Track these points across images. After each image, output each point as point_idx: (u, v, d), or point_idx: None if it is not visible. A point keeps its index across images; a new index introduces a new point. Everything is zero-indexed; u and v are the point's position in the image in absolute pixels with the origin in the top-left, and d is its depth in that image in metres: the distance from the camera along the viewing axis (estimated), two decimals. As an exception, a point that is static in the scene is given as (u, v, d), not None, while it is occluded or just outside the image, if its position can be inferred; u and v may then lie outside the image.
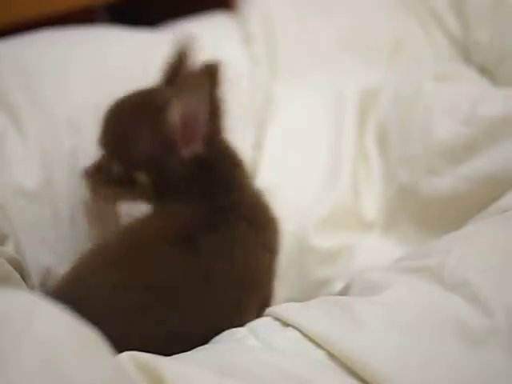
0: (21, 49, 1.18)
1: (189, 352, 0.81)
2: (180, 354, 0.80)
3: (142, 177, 0.93)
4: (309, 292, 1.10)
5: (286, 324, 0.80)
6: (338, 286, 1.05)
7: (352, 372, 0.69)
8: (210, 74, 0.87)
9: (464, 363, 0.67)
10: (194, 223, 0.89)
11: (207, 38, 1.41)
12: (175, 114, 0.87)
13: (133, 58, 1.21)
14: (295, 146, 1.29)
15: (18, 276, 0.84)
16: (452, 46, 1.48)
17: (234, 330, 0.85)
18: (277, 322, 0.82)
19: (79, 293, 0.86)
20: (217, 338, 0.85)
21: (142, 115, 0.92)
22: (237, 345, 0.80)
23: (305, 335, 0.76)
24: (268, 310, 0.86)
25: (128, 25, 1.41)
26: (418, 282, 0.78)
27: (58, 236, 1.05)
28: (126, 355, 0.71)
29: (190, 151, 0.89)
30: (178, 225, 0.89)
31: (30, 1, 1.39)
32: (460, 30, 1.47)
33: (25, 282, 0.89)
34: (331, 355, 0.72)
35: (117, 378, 0.58)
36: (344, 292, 0.90)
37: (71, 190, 1.08)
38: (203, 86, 0.85)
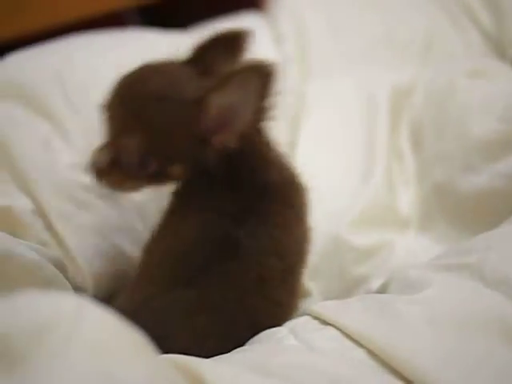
0: (56, 54, 1.20)
1: (228, 353, 0.81)
2: (220, 356, 0.81)
3: (176, 169, 0.90)
4: (346, 290, 1.10)
5: (325, 323, 0.80)
6: (375, 283, 1.04)
7: (393, 370, 0.69)
8: (263, 74, 0.82)
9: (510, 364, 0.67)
10: (233, 224, 0.88)
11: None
12: (213, 107, 0.85)
13: (164, 59, 1.21)
14: (329, 145, 1.28)
15: (63, 277, 0.85)
16: (485, 41, 1.46)
17: (274, 329, 0.85)
18: (316, 321, 0.82)
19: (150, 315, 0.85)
20: (256, 337, 0.85)
21: (177, 108, 0.87)
22: (277, 345, 0.80)
23: (344, 334, 0.76)
24: (306, 309, 0.86)
25: (159, 27, 1.42)
26: (458, 280, 0.78)
27: (105, 239, 1.06)
28: (166, 357, 0.72)
29: (221, 144, 0.86)
30: (219, 230, 0.88)
31: (61, 6, 1.41)
32: (494, 25, 1.46)
33: (69, 280, 0.90)
34: (372, 354, 0.72)
35: (162, 379, 0.58)
36: (382, 290, 0.90)
37: (115, 194, 1.10)
38: (252, 85, 0.82)
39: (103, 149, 0.89)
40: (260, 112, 0.84)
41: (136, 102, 0.87)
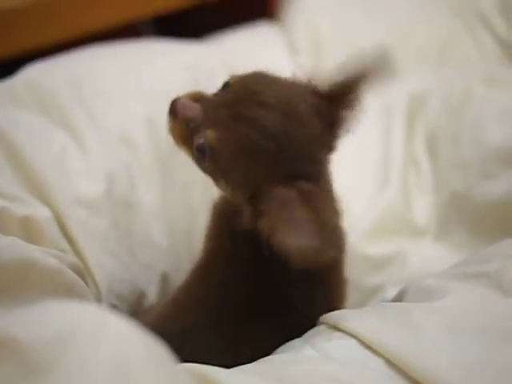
0: (74, 65, 1.21)
1: (247, 364, 0.81)
2: (240, 367, 0.81)
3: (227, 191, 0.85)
4: (362, 298, 1.10)
5: (342, 332, 0.80)
6: (391, 292, 1.04)
7: (411, 380, 0.69)
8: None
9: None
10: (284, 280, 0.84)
11: (254, 48, 1.44)
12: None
13: (183, 70, 1.22)
14: (344, 153, 1.28)
15: (83, 283, 0.86)
16: (500, 48, 1.46)
17: (292, 341, 0.85)
18: (332, 330, 0.81)
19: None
20: (277, 350, 0.85)
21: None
22: (295, 355, 0.80)
23: (362, 343, 0.75)
24: (323, 318, 0.85)
25: (173, 37, 1.43)
26: (476, 288, 0.77)
27: (118, 243, 1.07)
28: (185, 366, 0.72)
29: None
30: (269, 288, 0.85)
31: (78, 17, 1.43)
32: (508, 31, 1.46)
33: (88, 286, 0.91)
34: (389, 363, 0.72)
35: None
36: (399, 298, 0.89)
37: (128, 201, 1.11)
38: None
39: (199, 106, 0.83)
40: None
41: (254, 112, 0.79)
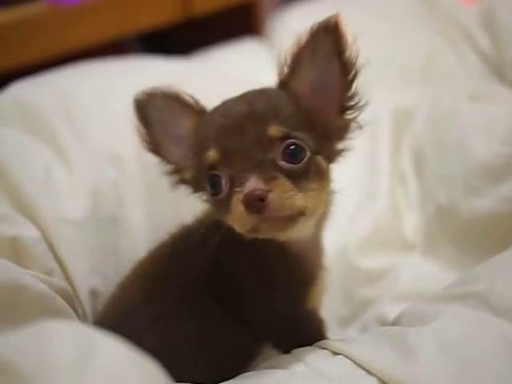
0: (60, 82, 1.20)
1: (238, 377, 0.82)
2: (229, 381, 0.81)
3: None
4: (353, 310, 1.11)
5: (334, 353, 0.80)
6: (383, 305, 1.05)
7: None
8: (329, 31, 0.78)
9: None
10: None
11: (240, 63, 1.45)
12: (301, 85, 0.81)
13: (169, 86, 1.22)
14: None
15: (70, 308, 0.86)
16: (483, 63, 1.48)
17: (281, 356, 0.85)
18: (325, 351, 0.82)
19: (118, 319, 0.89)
20: (265, 364, 0.85)
21: None
22: (287, 371, 0.80)
23: (354, 362, 0.76)
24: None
25: (158, 53, 1.43)
26: (466, 310, 0.78)
27: (105, 261, 1.07)
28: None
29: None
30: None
31: (64, 34, 1.42)
32: (492, 47, 1.47)
33: (75, 310, 0.91)
34: (382, 382, 0.72)
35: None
36: (394, 323, 0.89)
37: (114, 218, 1.10)
38: (323, 46, 0.79)
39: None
40: (346, 70, 0.81)
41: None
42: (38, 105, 1.13)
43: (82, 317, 0.96)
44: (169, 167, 0.88)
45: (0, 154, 1.03)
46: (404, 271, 1.13)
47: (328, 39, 0.80)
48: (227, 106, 0.82)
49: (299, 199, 0.76)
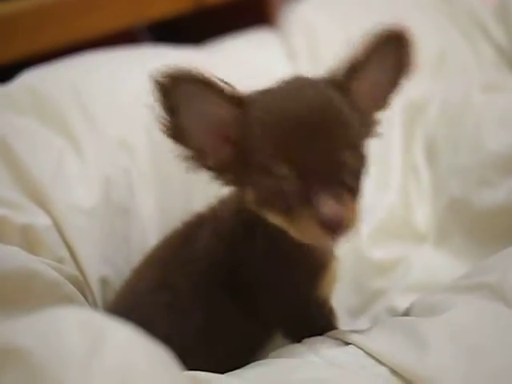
0: (72, 70, 1.21)
1: (249, 366, 0.82)
2: (240, 370, 0.81)
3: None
4: (364, 301, 1.10)
5: (345, 342, 0.80)
6: (393, 298, 1.04)
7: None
8: (400, 43, 0.82)
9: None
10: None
11: (252, 54, 1.44)
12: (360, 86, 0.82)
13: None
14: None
15: (81, 296, 0.86)
16: (498, 55, 1.46)
17: (293, 345, 0.85)
18: (335, 341, 0.81)
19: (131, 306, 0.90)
20: (275, 353, 0.85)
21: None
22: (298, 360, 0.79)
23: (366, 352, 0.75)
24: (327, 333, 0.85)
25: (170, 43, 1.43)
26: (479, 301, 0.77)
27: (115, 251, 1.07)
28: (188, 373, 0.72)
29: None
30: None
31: (75, 23, 1.42)
32: (507, 39, 1.46)
33: (86, 297, 0.91)
34: (393, 372, 0.71)
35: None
36: (406, 314, 0.89)
37: (126, 207, 1.10)
38: (391, 57, 0.82)
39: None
40: (403, 75, 0.84)
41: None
42: (49, 93, 1.13)
43: (92, 305, 0.96)
44: (189, 152, 0.80)
45: (11, 142, 1.03)
46: (415, 263, 1.12)
47: (394, 47, 0.83)
48: (283, 104, 0.77)
49: (358, 213, 0.77)
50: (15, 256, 0.80)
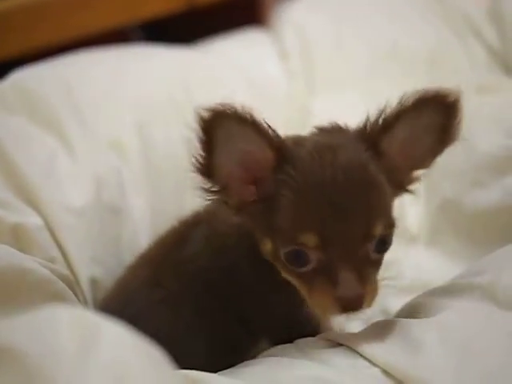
0: (63, 70, 1.21)
1: (241, 365, 0.82)
2: (231, 369, 0.81)
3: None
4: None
5: (338, 343, 0.79)
6: (386, 298, 1.04)
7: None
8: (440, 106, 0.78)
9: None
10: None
11: (243, 54, 1.44)
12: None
13: (174, 76, 1.22)
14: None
15: (72, 293, 0.86)
16: (490, 56, 1.47)
17: (284, 345, 0.85)
18: (328, 342, 0.81)
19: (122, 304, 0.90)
20: (266, 352, 0.85)
21: None
22: (288, 359, 0.79)
23: (358, 353, 0.75)
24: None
25: (161, 42, 1.43)
26: (471, 302, 0.77)
27: (106, 250, 1.07)
28: (180, 372, 0.73)
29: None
30: None
31: (67, 22, 1.42)
32: (498, 40, 1.46)
33: (77, 297, 0.91)
34: (385, 373, 0.72)
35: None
36: (398, 316, 0.89)
37: (117, 207, 1.10)
38: (426, 118, 0.77)
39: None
40: (446, 142, 0.80)
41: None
42: (41, 92, 1.13)
43: (82, 304, 0.96)
44: (213, 188, 0.78)
45: (3, 141, 1.03)
46: (408, 264, 1.12)
47: (439, 111, 0.78)
48: (317, 170, 0.74)
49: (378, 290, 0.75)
50: (5, 253, 0.80)
